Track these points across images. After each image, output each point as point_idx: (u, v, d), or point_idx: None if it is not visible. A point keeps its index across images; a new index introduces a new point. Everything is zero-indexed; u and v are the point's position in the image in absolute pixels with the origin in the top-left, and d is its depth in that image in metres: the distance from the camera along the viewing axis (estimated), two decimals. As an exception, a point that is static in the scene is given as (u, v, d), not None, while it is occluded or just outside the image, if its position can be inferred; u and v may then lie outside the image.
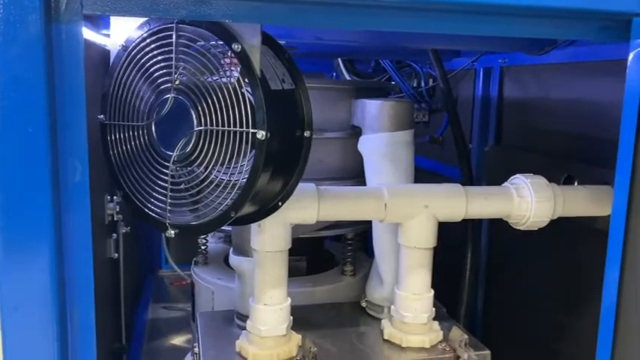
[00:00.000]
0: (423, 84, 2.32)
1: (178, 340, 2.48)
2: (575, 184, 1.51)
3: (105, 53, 1.12)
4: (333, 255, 2.00)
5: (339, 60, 2.41)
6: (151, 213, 1.09)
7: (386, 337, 1.43)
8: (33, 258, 0.82)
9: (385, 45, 1.73)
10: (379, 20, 0.91)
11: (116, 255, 1.90)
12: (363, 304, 1.62)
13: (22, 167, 0.79)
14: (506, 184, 1.40)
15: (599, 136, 1.52)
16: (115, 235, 1.89)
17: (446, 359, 1.37)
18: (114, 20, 1.10)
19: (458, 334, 1.39)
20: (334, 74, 2.59)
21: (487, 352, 1.38)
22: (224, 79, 1.00)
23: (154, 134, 1.07)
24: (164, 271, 3.23)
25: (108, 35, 1.13)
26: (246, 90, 0.98)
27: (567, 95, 1.67)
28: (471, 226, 1.78)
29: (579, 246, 1.56)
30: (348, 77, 2.41)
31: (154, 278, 3.19)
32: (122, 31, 1.09)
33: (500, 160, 1.94)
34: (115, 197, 1.82)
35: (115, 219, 1.85)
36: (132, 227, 2.10)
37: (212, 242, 2.04)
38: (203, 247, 1.92)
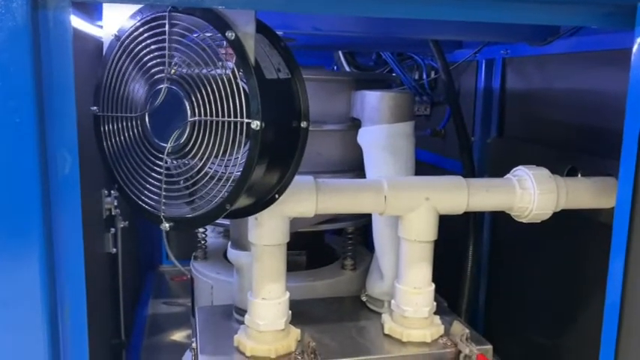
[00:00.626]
0: (424, 76, 2.30)
1: (179, 336, 2.46)
2: (579, 175, 1.49)
3: (100, 45, 1.10)
4: (334, 249, 1.98)
5: (340, 53, 2.38)
6: (145, 206, 1.07)
7: (386, 332, 1.41)
8: (22, 252, 0.80)
9: (385, 35, 1.71)
10: (377, 6, 0.88)
11: (114, 250, 1.88)
12: (364, 299, 1.60)
13: (9, 158, 0.77)
14: (508, 175, 1.37)
15: (603, 127, 1.49)
16: (113, 229, 1.87)
17: (447, 354, 1.35)
18: (106, 9, 1.07)
19: (459, 328, 1.37)
20: (335, 67, 2.56)
21: (489, 346, 1.36)
22: (218, 70, 0.98)
23: (148, 125, 1.05)
24: (165, 267, 3.22)
25: (102, 26, 1.11)
26: (241, 79, 0.96)
27: (570, 86, 1.64)
28: (472, 218, 1.76)
29: (583, 239, 1.54)
30: (348, 70, 2.39)
31: (155, 274, 3.17)
32: (115, 21, 1.07)
33: (502, 152, 1.92)
34: (112, 191, 1.80)
35: (113, 213, 1.84)
36: (131, 222, 2.09)
37: (212, 237, 2.02)
38: (202, 242, 1.91)
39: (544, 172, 1.34)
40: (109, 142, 1.09)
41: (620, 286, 0.95)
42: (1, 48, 0.74)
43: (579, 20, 1.03)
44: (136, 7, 1.03)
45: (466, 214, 1.38)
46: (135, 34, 1.03)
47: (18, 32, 0.74)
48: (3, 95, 0.75)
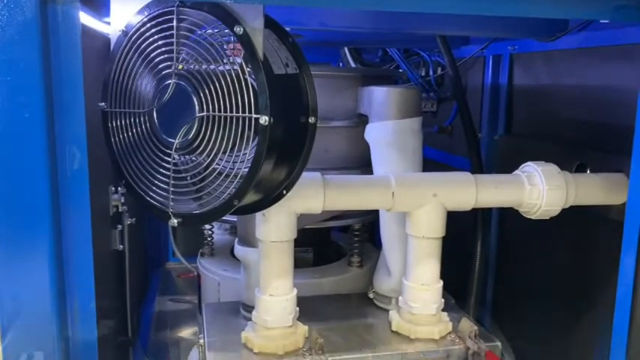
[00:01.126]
0: (431, 72, 2.29)
1: (185, 333, 2.46)
2: (588, 172, 1.48)
3: (107, 41, 1.10)
4: (340, 246, 1.98)
5: (346, 49, 2.37)
6: (153, 202, 1.07)
7: (394, 329, 1.41)
8: (31, 247, 0.80)
9: (393, 31, 1.70)
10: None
11: (121, 247, 1.88)
12: (371, 296, 1.59)
13: (18, 154, 0.77)
14: (517, 172, 1.37)
15: (612, 123, 1.48)
16: (119, 226, 1.87)
17: (455, 351, 1.35)
18: (114, 5, 1.07)
19: (467, 325, 1.37)
20: (341, 64, 2.55)
21: (497, 343, 1.36)
22: (227, 65, 0.97)
23: (156, 121, 1.04)
24: (171, 264, 3.21)
25: (109, 23, 1.11)
26: (249, 74, 0.96)
27: (579, 81, 1.63)
28: (480, 215, 1.75)
29: (592, 235, 1.53)
30: (354, 66, 2.38)
31: (161, 271, 3.18)
32: (122, 17, 1.06)
33: (510, 149, 1.91)
34: (119, 188, 1.80)
35: (120, 210, 1.83)
36: (138, 219, 2.09)
37: (218, 234, 2.03)
38: (209, 239, 1.91)
39: (553, 168, 1.33)
40: (117, 138, 1.09)
41: (631, 282, 0.94)
42: (10, 43, 0.74)
43: (590, 13, 1.02)
44: (144, 2, 1.02)
45: (474, 210, 1.37)
46: (142, 29, 1.03)
47: (27, 27, 0.74)
48: (12, 90, 0.75)
